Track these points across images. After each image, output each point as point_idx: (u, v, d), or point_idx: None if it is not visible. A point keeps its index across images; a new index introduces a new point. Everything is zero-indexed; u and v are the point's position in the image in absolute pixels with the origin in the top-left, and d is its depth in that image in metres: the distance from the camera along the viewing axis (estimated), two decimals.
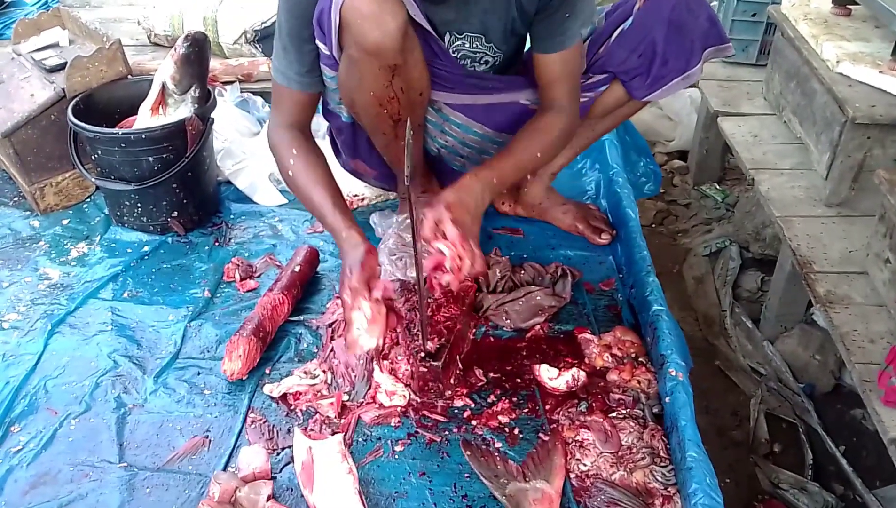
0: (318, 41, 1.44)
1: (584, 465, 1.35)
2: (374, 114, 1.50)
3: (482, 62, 1.59)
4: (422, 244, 1.35)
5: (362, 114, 1.53)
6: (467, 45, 1.54)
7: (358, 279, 1.36)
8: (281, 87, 1.54)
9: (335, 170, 1.97)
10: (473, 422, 1.43)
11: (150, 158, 1.87)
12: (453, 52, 1.55)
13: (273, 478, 1.33)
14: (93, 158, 1.92)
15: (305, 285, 1.75)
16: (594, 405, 1.46)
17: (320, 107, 1.70)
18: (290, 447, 1.39)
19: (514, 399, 1.48)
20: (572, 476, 1.33)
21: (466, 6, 1.48)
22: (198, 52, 1.92)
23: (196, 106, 1.94)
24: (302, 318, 1.69)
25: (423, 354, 1.45)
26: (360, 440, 1.41)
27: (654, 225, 2.53)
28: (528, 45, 1.80)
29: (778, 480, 1.69)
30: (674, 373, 1.42)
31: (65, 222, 2.06)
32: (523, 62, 1.79)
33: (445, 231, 1.32)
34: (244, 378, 1.52)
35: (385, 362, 1.51)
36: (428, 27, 1.44)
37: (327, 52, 1.44)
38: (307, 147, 1.56)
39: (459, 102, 1.61)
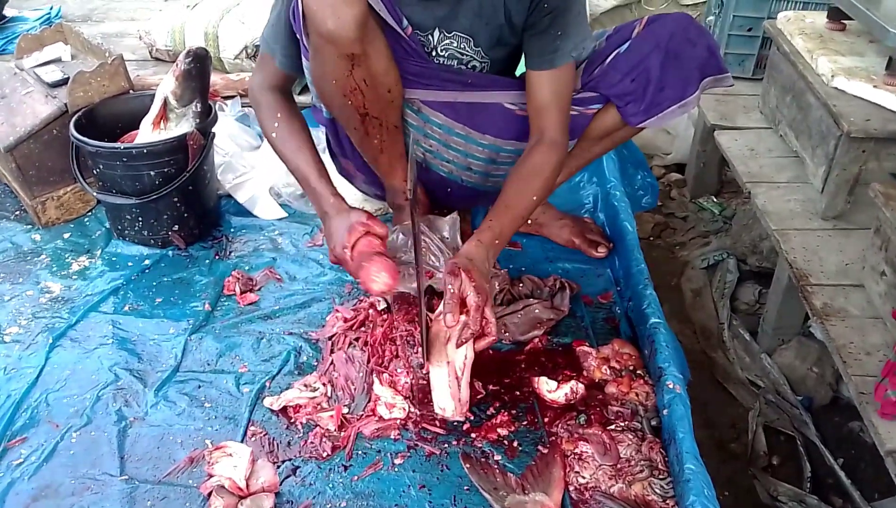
0: (296, 32, 1.50)
1: (583, 477, 1.35)
2: (340, 105, 1.53)
3: (469, 66, 1.60)
4: (423, 257, 1.36)
5: (330, 106, 1.59)
6: (455, 44, 1.56)
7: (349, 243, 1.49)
8: (266, 55, 1.63)
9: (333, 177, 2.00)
10: (473, 435, 1.44)
11: (152, 173, 1.88)
12: (441, 51, 1.57)
13: (276, 492, 1.34)
14: (94, 172, 1.94)
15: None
16: (593, 417, 1.47)
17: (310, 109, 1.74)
18: (290, 459, 1.40)
19: (513, 412, 1.49)
20: (571, 488, 1.34)
21: (458, 4, 1.50)
22: (199, 67, 1.94)
23: (197, 121, 1.96)
24: (302, 331, 1.70)
25: (423, 366, 1.46)
26: (359, 452, 1.41)
27: (651, 238, 2.54)
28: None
29: (777, 493, 1.69)
30: (672, 386, 1.43)
31: (66, 235, 2.07)
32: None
33: (471, 299, 1.36)
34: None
35: (384, 374, 1.52)
36: (388, 17, 1.45)
37: (305, 44, 1.49)
38: (291, 111, 1.66)
39: (437, 100, 1.61)
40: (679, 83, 1.59)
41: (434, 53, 1.58)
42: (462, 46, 1.56)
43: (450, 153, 1.71)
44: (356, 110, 1.52)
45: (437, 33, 1.54)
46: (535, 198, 1.56)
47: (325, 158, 1.82)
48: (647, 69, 1.58)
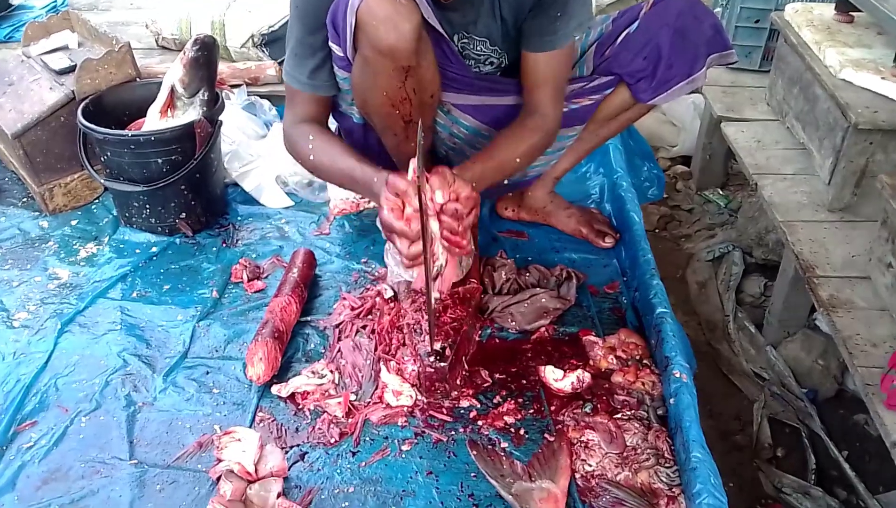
0: (331, 43, 1.45)
1: (590, 465, 1.36)
2: (386, 114, 1.52)
3: (487, 63, 1.60)
4: (430, 248, 1.36)
5: (374, 115, 1.55)
6: (472, 46, 1.56)
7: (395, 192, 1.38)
8: (293, 90, 1.56)
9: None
10: (479, 422, 1.45)
11: (159, 160, 1.89)
12: (463, 55, 1.57)
13: (285, 477, 1.34)
14: (102, 159, 1.94)
15: (308, 287, 1.76)
16: (599, 406, 1.47)
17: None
18: (297, 445, 1.40)
19: (520, 400, 1.50)
20: (577, 476, 1.34)
21: (472, 9, 1.50)
22: (206, 55, 1.94)
23: (204, 109, 1.96)
24: (310, 319, 1.70)
25: (430, 355, 1.47)
26: (367, 439, 1.42)
27: (657, 230, 2.54)
28: None
29: (781, 484, 1.70)
30: (678, 375, 1.44)
31: (74, 222, 2.07)
32: None
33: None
34: (269, 381, 1.52)
35: (392, 362, 1.53)
36: (441, 30, 1.45)
37: (341, 54, 1.45)
38: (322, 130, 1.58)
39: (468, 104, 1.63)
40: (687, 60, 1.62)
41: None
42: (478, 48, 1.57)
43: (472, 152, 1.73)
44: (401, 118, 1.52)
45: (457, 38, 1.54)
46: (517, 160, 1.55)
47: None
48: (657, 46, 1.61)
